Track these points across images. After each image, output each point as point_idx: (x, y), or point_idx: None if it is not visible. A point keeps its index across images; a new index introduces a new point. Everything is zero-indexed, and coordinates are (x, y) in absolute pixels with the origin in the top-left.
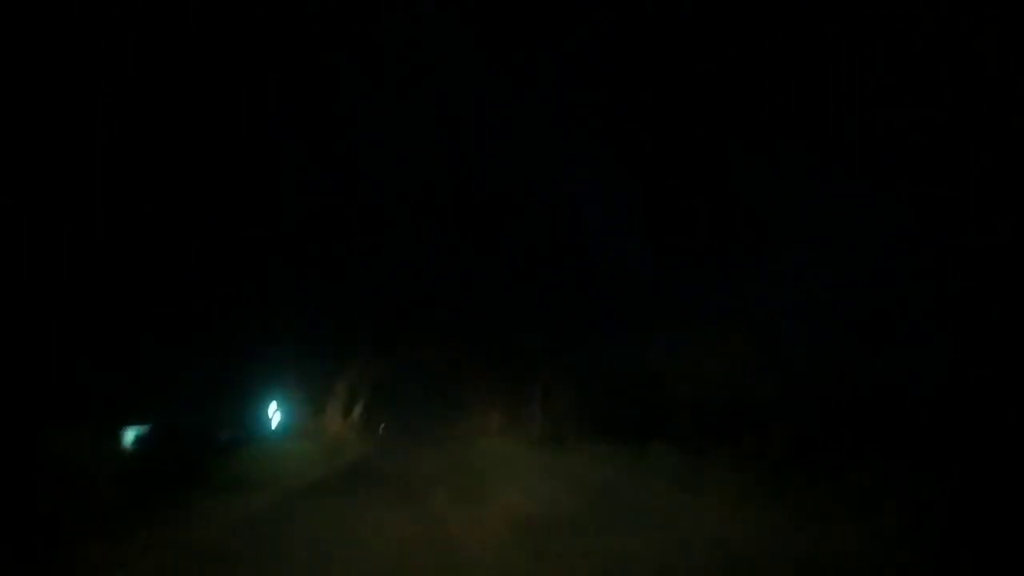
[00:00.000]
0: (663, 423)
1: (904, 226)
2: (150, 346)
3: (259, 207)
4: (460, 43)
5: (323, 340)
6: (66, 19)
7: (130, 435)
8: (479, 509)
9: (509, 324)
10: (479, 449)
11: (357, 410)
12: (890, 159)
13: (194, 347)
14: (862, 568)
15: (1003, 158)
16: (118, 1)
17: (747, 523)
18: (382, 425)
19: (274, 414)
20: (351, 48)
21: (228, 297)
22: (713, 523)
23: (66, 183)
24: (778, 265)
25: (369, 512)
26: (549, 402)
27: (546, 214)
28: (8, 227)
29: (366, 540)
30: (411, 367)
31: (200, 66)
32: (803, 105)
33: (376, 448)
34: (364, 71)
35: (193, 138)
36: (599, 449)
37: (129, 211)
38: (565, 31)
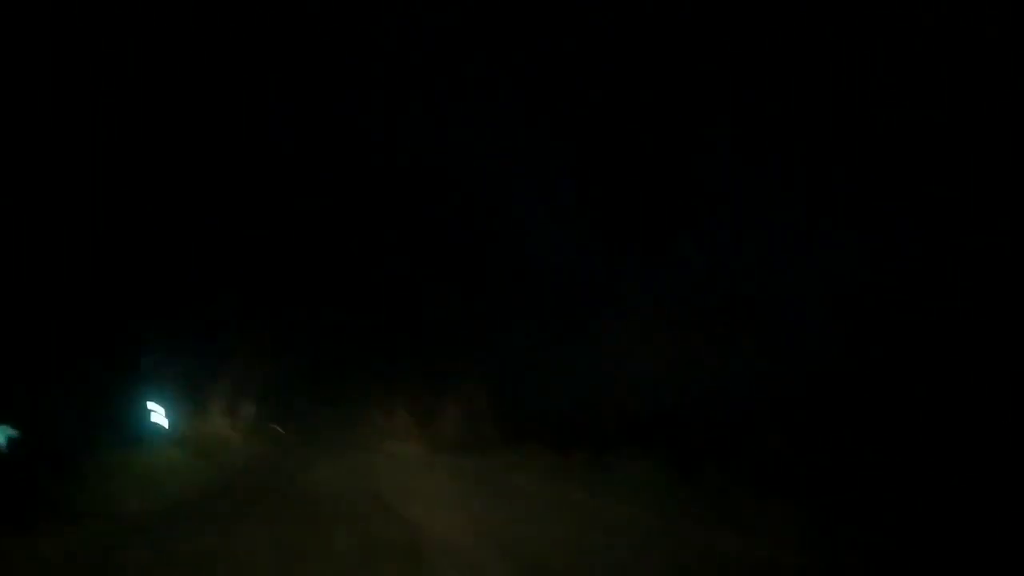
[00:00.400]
0: (595, 426)
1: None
2: (11, 342)
3: (131, 195)
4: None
5: (208, 332)
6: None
7: None
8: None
9: (419, 314)
10: (388, 456)
11: (246, 410)
12: (835, 143)
13: (60, 343)
14: None
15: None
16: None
17: None
18: (276, 427)
19: (152, 415)
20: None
21: (101, 288)
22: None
23: None
24: (726, 252)
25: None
26: (464, 402)
27: (461, 194)
28: None
29: None
30: (309, 362)
31: None
32: (742, 87)
33: (263, 454)
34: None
35: (50, 133)
36: (525, 456)
37: None
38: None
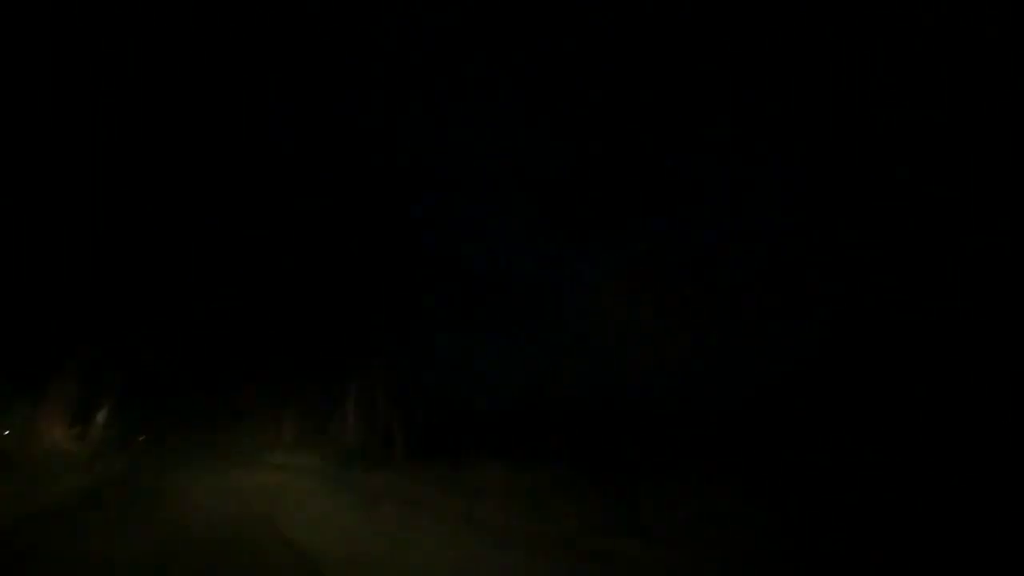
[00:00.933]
0: (525, 436)
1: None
2: None
3: None
4: None
5: (56, 325)
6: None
7: None
8: None
9: (314, 306)
10: (275, 470)
11: (100, 417)
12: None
13: None
14: None
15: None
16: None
17: None
18: (139, 437)
19: None
20: None
21: None
22: None
23: None
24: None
25: None
26: (367, 408)
27: (369, 184)
28: None
29: None
30: (182, 361)
31: None
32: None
33: (117, 475)
34: None
35: None
36: (444, 470)
37: None
38: None
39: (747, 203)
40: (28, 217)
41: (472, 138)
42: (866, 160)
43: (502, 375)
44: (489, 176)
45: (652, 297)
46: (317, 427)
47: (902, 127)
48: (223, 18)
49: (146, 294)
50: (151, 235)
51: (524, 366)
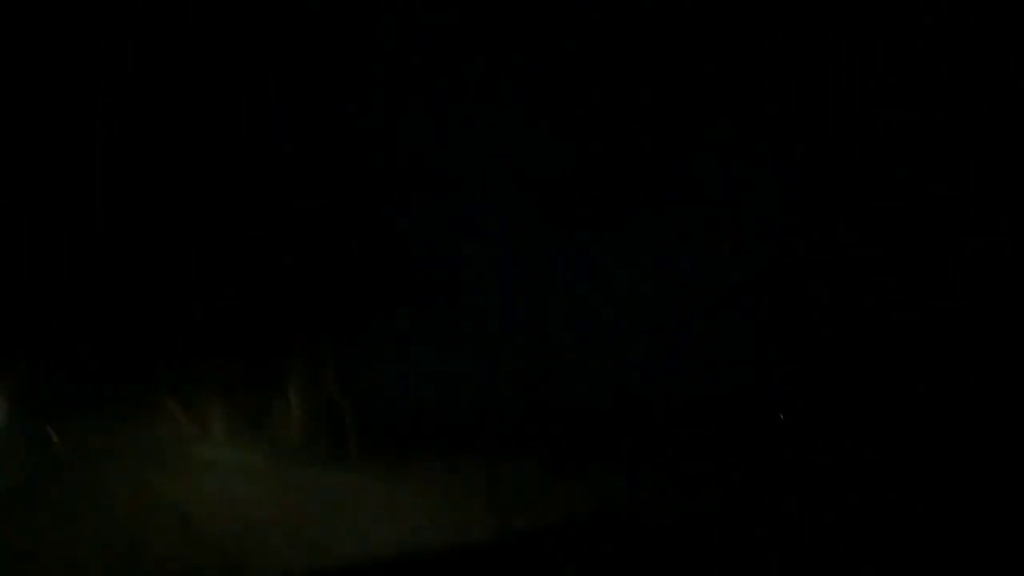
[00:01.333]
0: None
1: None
2: None
3: None
4: None
5: None
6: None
7: None
8: None
9: (251, 274)
10: (207, 478)
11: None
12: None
13: None
14: None
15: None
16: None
17: None
18: (51, 434)
19: None
20: None
21: None
22: None
23: None
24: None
25: None
26: (313, 395)
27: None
28: None
29: None
30: (95, 341)
31: None
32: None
33: (14, 483)
34: None
35: None
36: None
37: None
38: None
39: (747, 203)
40: None
41: (472, 137)
42: (866, 160)
43: (488, 371)
44: (485, 174)
45: (651, 296)
46: (255, 414)
47: (902, 127)
48: (221, 15)
49: (53, 263)
50: (62, 203)
51: (511, 364)
